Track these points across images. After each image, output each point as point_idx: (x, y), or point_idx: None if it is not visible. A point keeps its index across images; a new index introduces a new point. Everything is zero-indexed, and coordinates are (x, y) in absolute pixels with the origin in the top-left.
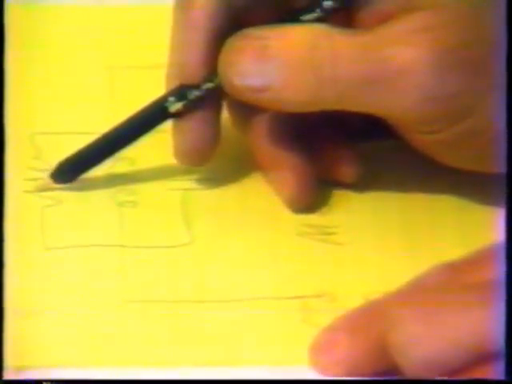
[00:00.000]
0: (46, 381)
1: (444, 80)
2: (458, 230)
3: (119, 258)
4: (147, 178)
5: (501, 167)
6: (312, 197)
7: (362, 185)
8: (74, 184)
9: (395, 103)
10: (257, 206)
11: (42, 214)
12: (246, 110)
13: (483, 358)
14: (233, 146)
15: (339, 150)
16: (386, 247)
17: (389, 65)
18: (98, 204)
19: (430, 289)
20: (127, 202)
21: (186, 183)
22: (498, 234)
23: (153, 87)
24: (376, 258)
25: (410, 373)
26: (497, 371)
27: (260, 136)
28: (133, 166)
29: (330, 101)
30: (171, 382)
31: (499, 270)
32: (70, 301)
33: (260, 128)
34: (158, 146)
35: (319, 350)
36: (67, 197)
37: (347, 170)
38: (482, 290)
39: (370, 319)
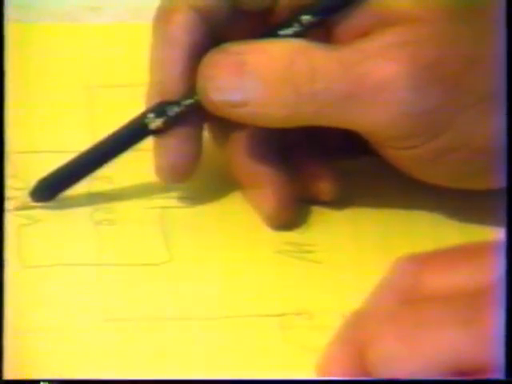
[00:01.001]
0: (46, 381)
1: (421, 95)
2: (439, 244)
3: (97, 276)
4: (125, 197)
5: (479, 184)
6: (291, 214)
7: (340, 202)
8: (51, 203)
9: (373, 118)
10: (236, 223)
11: (19, 233)
12: (225, 126)
13: (461, 375)
14: (212, 164)
15: (317, 167)
16: (365, 265)
17: (366, 80)
18: (76, 222)
19: (402, 294)
20: (105, 220)
21: (165, 201)
22: None
23: (131, 105)
24: (354, 276)
25: None
26: (497, 371)
27: (238, 152)
28: (110, 185)
29: (309, 116)
30: (171, 382)
31: (479, 274)
32: (48, 320)
33: (238, 144)
34: (135, 164)
35: (321, 366)
36: (44, 215)
37: (325, 188)
38: (460, 305)
39: (351, 332)
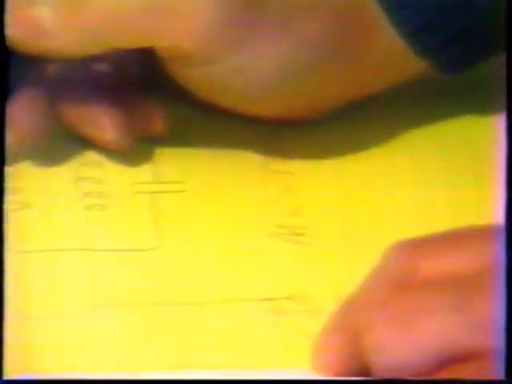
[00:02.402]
0: (46, 381)
1: (220, 11)
2: (425, 232)
3: (88, 261)
4: (115, 182)
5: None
6: (132, 144)
7: (332, 185)
8: (41, 187)
9: (173, 33)
10: (226, 207)
11: (8, 218)
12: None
13: (454, 362)
14: (200, 150)
15: (149, 107)
16: (357, 248)
17: None
18: (65, 207)
19: (395, 278)
20: (95, 205)
21: (155, 186)
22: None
23: None
24: (346, 259)
25: (380, 375)
26: (497, 371)
27: (69, 103)
28: (100, 169)
29: (108, 38)
30: (173, 382)
31: (466, 259)
32: (37, 305)
33: (68, 96)
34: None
35: (314, 354)
36: (33, 200)
37: (156, 124)
38: (452, 292)
39: (345, 319)
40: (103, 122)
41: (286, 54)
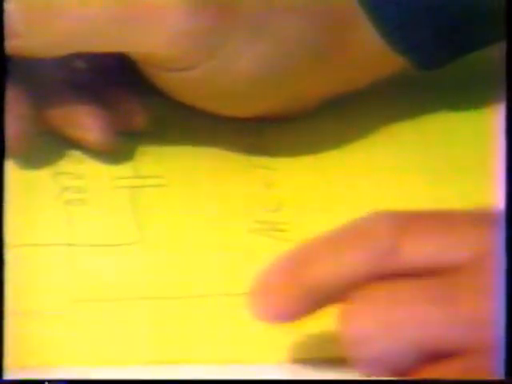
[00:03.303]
0: (46, 381)
1: (196, 16)
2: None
3: (68, 256)
4: (94, 176)
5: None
6: (115, 143)
7: (314, 182)
8: (20, 182)
9: (148, 39)
10: (207, 202)
11: None
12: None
13: (435, 358)
14: (181, 145)
15: (130, 103)
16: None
17: (139, 3)
18: (44, 202)
19: (380, 270)
20: (74, 200)
21: (135, 181)
22: None
23: None
24: None
25: (359, 367)
26: (497, 371)
27: (49, 102)
28: (79, 164)
29: (83, 41)
30: (173, 382)
31: (454, 250)
32: (17, 302)
33: (48, 95)
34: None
35: (256, 292)
36: (13, 195)
37: (137, 120)
38: (437, 286)
39: (301, 264)
40: (85, 123)
41: (263, 55)
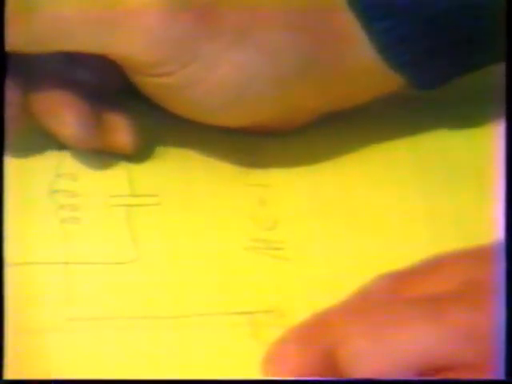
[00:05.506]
0: (46, 381)
1: (171, 23)
2: (403, 241)
3: (64, 275)
4: (90, 194)
5: (220, 120)
6: (94, 138)
7: (310, 199)
8: (16, 200)
9: (124, 44)
10: (203, 220)
11: None
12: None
13: (431, 374)
14: (175, 163)
15: (117, 120)
16: (334, 263)
17: (118, 5)
18: (40, 220)
19: (376, 301)
20: (70, 218)
21: (131, 199)
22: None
23: None
24: (324, 273)
25: None
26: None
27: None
28: (75, 182)
29: (58, 40)
30: (173, 382)
31: (446, 282)
32: (13, 319)
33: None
34: (100, 162)
35: (270, 362)
36: (9, 213)
37: (123, 140)
38: (426, 305)
39: (318, 331)
40: (65, 116)
41: (245, 64)
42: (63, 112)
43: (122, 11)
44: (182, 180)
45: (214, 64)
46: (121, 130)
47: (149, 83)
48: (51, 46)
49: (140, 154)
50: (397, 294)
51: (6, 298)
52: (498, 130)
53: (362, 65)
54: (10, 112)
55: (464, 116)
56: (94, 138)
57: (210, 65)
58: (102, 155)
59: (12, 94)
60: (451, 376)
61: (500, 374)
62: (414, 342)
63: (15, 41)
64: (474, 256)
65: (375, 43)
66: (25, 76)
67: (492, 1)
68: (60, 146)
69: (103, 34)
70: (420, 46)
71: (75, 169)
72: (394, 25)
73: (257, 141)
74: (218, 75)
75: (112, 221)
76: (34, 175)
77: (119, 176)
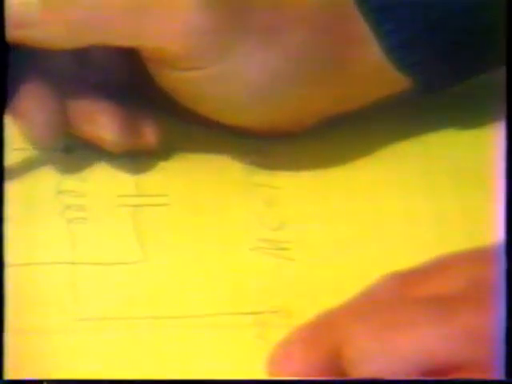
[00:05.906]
0: (46, 381)
1: (207, 16)
2: (409, 243)
3: (71, 275)
4: (97, 195)
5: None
6: (129, 140)
7: (315, 200)
8: (23, 200)
9: (158, 34)
10: (210, 221)
11: None
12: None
13: (435, 375)
14: (184, 163)
15: (140, 118)
16: (340, 263)
17: None
18: (47, 221)
19: (381, 302)
20: (77, 218)
21: (137, 199)
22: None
23: None
24: (330, 273)
25: None
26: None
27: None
28: (82, 182)
29: (94, 30)
30: (172, 382)
31: (451, 282)
32: (19, 319)
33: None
34: (107, 163)
35: (275, 362)
36: (16, 214)
37: (151, 140)
38: (432, 305)
39: (323, 331)
40: (104, 121)
41: (272, 65)
42: (101, 118)
43: (158, 1)
44: (188, 180)
45: (243, 62)
46: (148, 131)
47: (175, 78)
48: (88, 39)
49: (150, 153)
50: (402, 294)
51: (8, 299)
52: (503, 130)
53: (370, 66)
54: (49, 119)
55: (471, 117)
56: (129, 141)
57: (238, 63)
58: (109, 156)
59: (51, 101)
60: (456, 376)
61: (500, 374)
62: (419, 342)
63: (50, 33)
64: (480, 257)
65: (383, 44)
66: (59, 82)
67: (493, 1)
68: (66, 147)
69: (139, 22)
70: (428, 48)
71: (82, 169)
72: (402, 26)
73: (266, 143)
74: (245, 74)
75: (119, 221)
76: (41, 175)
77: (126, 176)
